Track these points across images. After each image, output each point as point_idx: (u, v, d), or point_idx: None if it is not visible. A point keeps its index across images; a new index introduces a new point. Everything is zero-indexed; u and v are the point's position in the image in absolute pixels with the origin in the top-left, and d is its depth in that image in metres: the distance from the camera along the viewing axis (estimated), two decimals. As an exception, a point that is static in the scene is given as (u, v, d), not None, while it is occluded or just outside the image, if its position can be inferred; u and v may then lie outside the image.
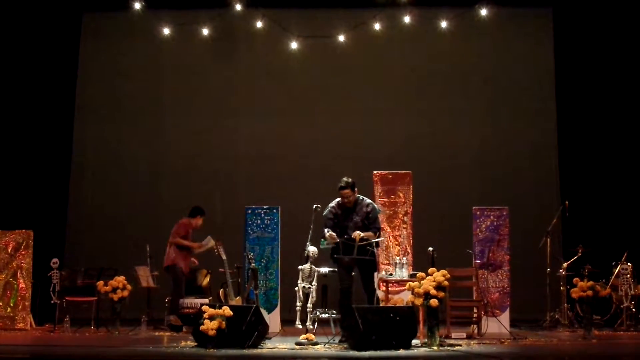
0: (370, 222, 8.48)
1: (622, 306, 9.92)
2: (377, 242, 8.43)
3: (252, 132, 12.59)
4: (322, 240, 8.48)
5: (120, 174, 12.51)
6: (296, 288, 8.31)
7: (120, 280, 9.52)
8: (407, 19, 12.28)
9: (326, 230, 8.41)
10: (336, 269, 8.62)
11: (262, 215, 10.54)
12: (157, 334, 9.52)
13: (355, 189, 8.49)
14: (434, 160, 12.34)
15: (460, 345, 8.00)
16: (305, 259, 8.33)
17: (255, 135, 12.58)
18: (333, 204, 8.61)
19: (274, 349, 7.63)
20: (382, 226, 9.41)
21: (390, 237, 10.51)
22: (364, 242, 8.26)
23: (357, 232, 8.28)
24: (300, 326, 8.21)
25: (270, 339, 8.40)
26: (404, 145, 12.40)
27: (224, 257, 9.66)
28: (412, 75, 12.66)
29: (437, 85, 12.63)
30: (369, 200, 8.66)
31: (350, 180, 8.43)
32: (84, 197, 12.53)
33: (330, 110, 12.60)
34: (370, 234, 8.37)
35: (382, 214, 10.22)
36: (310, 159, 12.44)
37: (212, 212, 11.98)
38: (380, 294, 9.74)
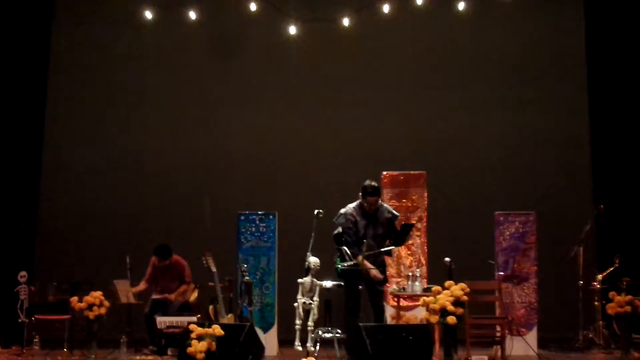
0: (392, 231, 8.54)
1: (664, 324, 9.88)
2: (388, 251, 8.40)
3: (245, 127, 12.56)
4: (338, 260, 8.37)
5: (97, 175, 12.46)
6: (295, 304, 8.36)
7: (96, 295, 9.50)
8: (419, 0, 12.22)
9: (345, 248, 8.38)
10: (341, 283, 8.62)
11: (257, 221, 10.54)
12: (138, 357, 9.48)
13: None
14: (451, 159, 12.30)
15: (481, 368, 7.99)
16: (306, 271, 8.38)
17: (250, 131, 12.54)
18: (349, 209, 8.62)
19: (270, 374, 7.63)
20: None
21: (402, 246, 10.41)
22: (372, 252, 8.24)
23: (389, 240, 8.32)
24: (300, 348, 8.25)
25: (266, 362, 8.37)
26: (417, 142, 12.37)
27: (214, 270, 9.65)
28: (425, 64, 12.63)
29: (454, 75, 12.59)
30: (387, 206, 8.82)
31: (377, 185, 8.54)
32: (56, 201, 12.46)
33: (334, 103, 12.57)
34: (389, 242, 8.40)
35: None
36: (311, 157, 12.42)
37: (201, 218, 11.96)
38: (390, 310, 9.70)
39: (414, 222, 8.52)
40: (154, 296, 10.32)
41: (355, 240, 8.46)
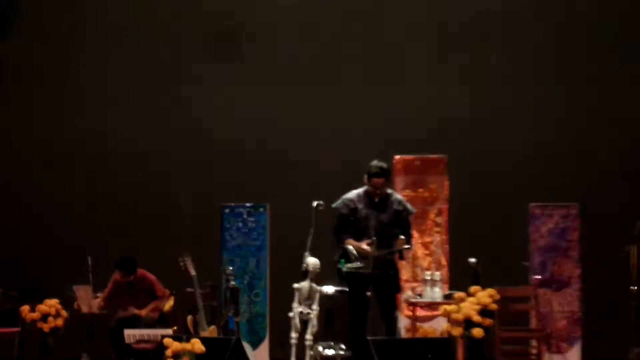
0: (404, 226, 8.55)
1: None
2: (401, 252, 8.43)
3: (230, 103, 12.54)
4: (342, 261, 8.40)
5: (50, 162, 12.46)
6: (291, 314, 8.29)
7: (52, 304, 9.52)
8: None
9: (342, 238, 8.46)
10: (345, 288, 8.56)
11: (245, 215, 10.58)
12: (102, 378, 9.53)
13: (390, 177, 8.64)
14: (477, 140, 12.26)
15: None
16: (304, 274, 8.30)
17: (235, 108, 12.54)
18: (351, 195, 8.66)
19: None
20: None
21: (418, 244, 10.49)
22: (385, 252, 8.21)
23: (402, 237, 8.37)
24: (296, 366, 8.21)
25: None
26: (436, 120, 12.35)
27: (193, 273, 9.74)
28: (444, 27, 12.60)
29: (479, 40, 12.56)
30: (400, 197, 8.85)
31: (385, 165, 8.54)
32: (3, 192, 12.42)
33: (336, 75, 12.56)
34: (402, 240, 8.41)
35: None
36: (309, 140, 12.41)
37: (177, 211, 11.91)
38: (404, 321, 9.67)
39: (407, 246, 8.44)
40: (120, 314, 10.25)
41: (350, 231, 8.49)
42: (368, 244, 8.29)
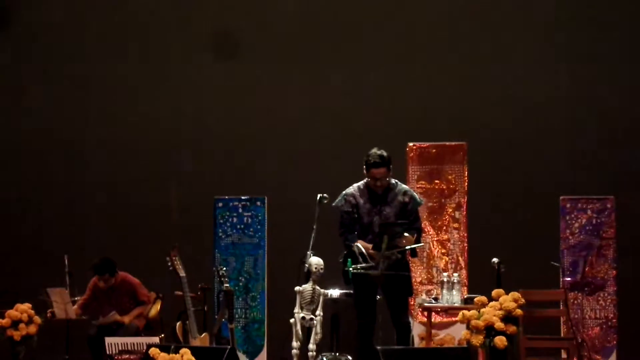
0: (411, 220, 8.52)
1: None
2: (414, 250, 8.43)
3: (224, 88, 12.56)
4: (349, 261, 8.36)
5: (22, 151, 12.50)
6: (292, 320, 8.34)
7: (24, 309, 9.48)
8: None
9: (349, 239, 8.41)
10: (351, 291, 8.62)
11: (241, 209, 10.59)
12: (79, 391, 9.57)
13: (391, 167, 8.55)
14: (501, 126, 12.27)
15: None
16: (306, 276, 8.36)
17: (230, 93, 12.54)
18: (351, 189, 8.66)
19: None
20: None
21: (434, 242, 10.52)
22: (395, 250, 8.24)
23: (407, 235, 8.33)
24: (298, 378, 8.25)
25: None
26: (455, 104, 12.35)
27: (182, 274, 9.68)
28: (463, 7, 12.56)
29: (501, 15, 12.55)
30: (405, 187, 8.76)
31: (385, 154, 8.49)
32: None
33: (343, 56, 12.57)
34: (409, 237, 8.37)
35: (423, 206, 10.19)
36: (311, 127, 12.44)
37: (165, 205, 11.96)
38: (418, 328, 9.71)
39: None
40: (100, 321, 10.28)
41: (357, 230, 8.49)
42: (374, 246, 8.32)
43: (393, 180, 8.65)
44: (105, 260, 10.25)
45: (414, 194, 8.74)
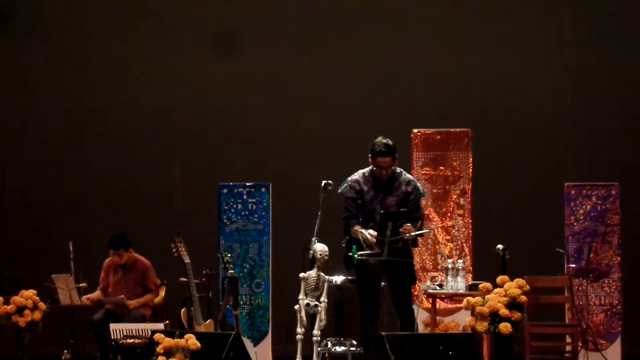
0: (411, 209, 8.47)
1: None
2: (415, 239, 8.44)
3: (227, 70, 12.52)
4: (354, 248, 8.31)
5: (28, 133, 12.50)
6: (296, 307, 8.34)
7: (28, 296, 9.42)
8: None
9: (351, 224, 8.39)
10: (355, 278, 8.61)
11: (245, 196, 10.56)
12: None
13: (397, 156, 8.52)
14: (506, 112, 12.28)
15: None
16: (310, 262, 8.35)
17: (233, 75, 12.51)
18: (356, 176, 8.64)
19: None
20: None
21: (439, 229, 10.52)
22: (398, 237, 8.23)
23: (409, 224, 8.29)
24: (302, 364, 8.24)
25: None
26: (460, 89, 12.34)
27: (187, 260, 9.67)
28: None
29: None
30: (409, 176, 8.72)
31: (391, 142, 8.46)
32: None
33: (346, 43, 12.54)
34: (410, 227, 8.35)
35: (428, 193, 10.22)
36: (315, 112, 12.40)
37: (168, 191, 11.95)
38: (423, 315, 9.71)
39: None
40: (107, 299, 10.28)
41: (361, 215, 8.45)
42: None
43: (398, 169, 8.62)
44: (121, 235, 10.25)
45: (418, 184, 8.71)
